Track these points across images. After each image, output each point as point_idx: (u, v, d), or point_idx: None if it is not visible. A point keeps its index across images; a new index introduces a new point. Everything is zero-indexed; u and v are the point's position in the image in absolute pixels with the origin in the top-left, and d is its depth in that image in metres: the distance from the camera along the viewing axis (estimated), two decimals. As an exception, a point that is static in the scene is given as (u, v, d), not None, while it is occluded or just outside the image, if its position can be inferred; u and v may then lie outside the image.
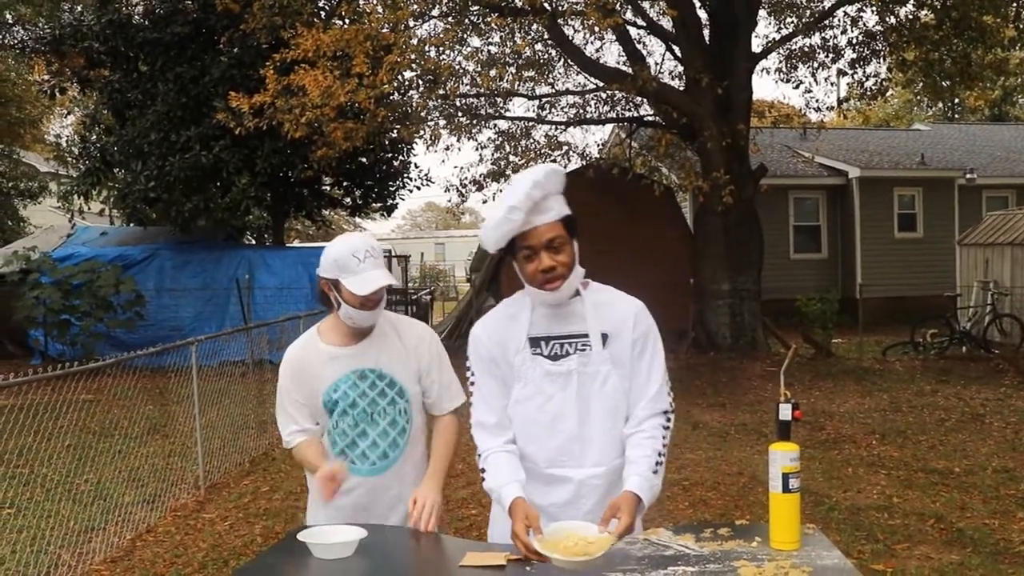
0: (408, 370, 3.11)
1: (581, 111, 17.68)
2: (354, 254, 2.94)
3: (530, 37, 15.39)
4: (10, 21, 21.86)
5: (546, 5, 12.50)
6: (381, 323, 3.10)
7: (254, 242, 23.24)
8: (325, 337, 3.11)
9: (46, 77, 19.12)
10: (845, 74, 17.37)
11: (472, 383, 2.77)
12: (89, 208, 20.90)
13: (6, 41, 22.76)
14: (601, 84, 15.46)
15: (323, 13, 15.29)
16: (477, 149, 17.29)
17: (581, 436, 2.65)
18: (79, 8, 17.15)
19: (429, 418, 3.21)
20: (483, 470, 2.68)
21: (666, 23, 15.68)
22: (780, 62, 17.37)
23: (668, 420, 2.73)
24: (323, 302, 3.12)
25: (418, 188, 24.31)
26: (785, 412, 2.56)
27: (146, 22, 16.14)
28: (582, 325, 2.65)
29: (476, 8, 14.03)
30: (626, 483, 2.55)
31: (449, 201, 19.95)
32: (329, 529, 2.76)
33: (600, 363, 2.64)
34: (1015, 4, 14.98)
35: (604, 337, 2.65)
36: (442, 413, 3.19)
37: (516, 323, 2.70)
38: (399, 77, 13.17)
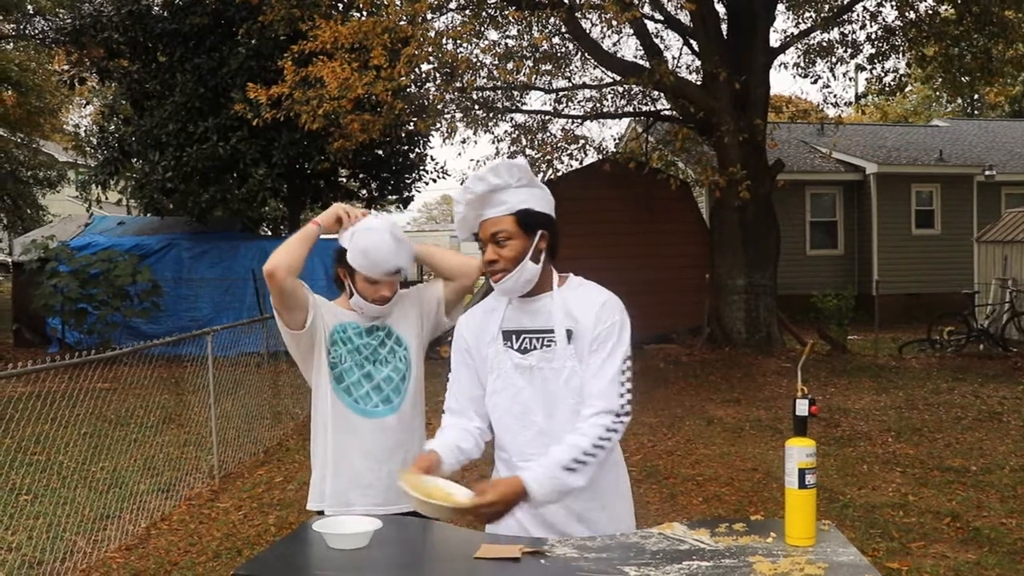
0: (411, 326, 3.22)
1: (598, 105, 17.64)
2: (381, 256, 3.02)
3: (547, 31, 15.36)
4: (31, 12, 21.99)
5: (564, -2, 12.46)
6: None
7: (270, 233, 23.32)
8: (343, 306, 3.22)
9: (66, 67, 19.21)
10: (863, 69, 17.27)
11: (449, 371, 2.87)
12: (107, 198, 21.04)
13: (27, 31, 22.89)
14: (618, 78, 15.42)
15: (341, 5, 15.29)
16: (494, 142, 17.39)
17: (549, 430, 2.65)
18: (99, -1, 17.22)
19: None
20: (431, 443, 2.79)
21: (684, 17, 15.62)
22: (798, 57, 17.29)
23: (614, 421, 2.61)
24: (337, 285, 3.21)
25: (434, 181, 24.31)
26: (802, 407, 2.55)
27: (165, 13, 16.21)
28: (548, 321, 2.68)
29: (494, 1, 14.02)
30: (522, 471, 2.54)
31: (465, 194, 19.90)
32: (344, 519, 2.76)
33: (564, 359, 2.65)
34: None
35: (569, 333, 2.66)
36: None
37: (492, 316, 2.78)
38: (416, 70, 13.17)
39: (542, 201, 2.70)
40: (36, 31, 22.95)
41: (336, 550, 2.55)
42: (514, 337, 2.72)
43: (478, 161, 16.74)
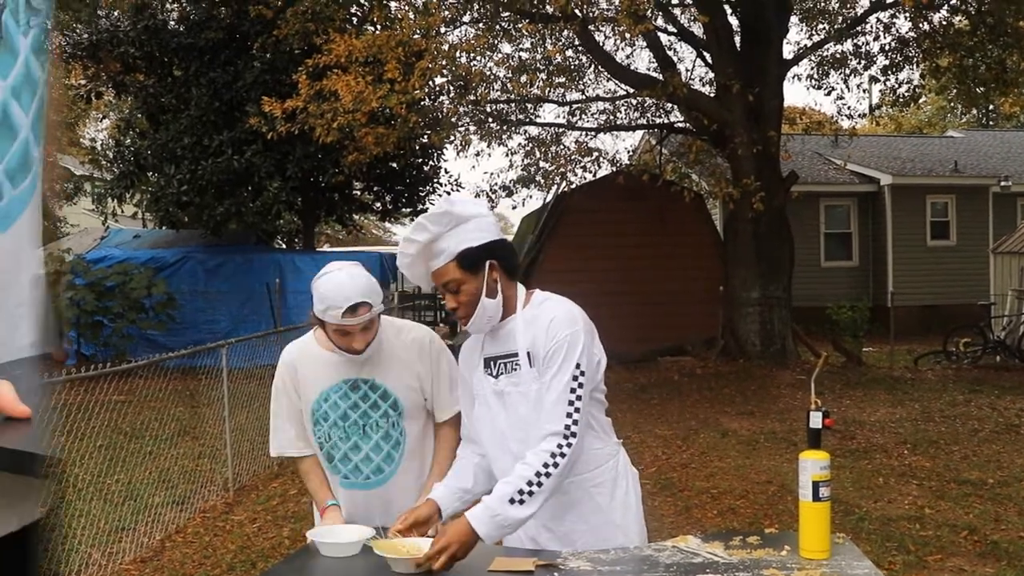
0: (403, 380, 3.02)
1: (611, 117, 17.67)
2: (335, 308, 2.82)
3: (561, 43, 15.40)
4: (49, 27, 22.16)
5: (577, 11, 12.48)
6: (382, 328, 3.01)
7: (284, 246, 23.41)
8: (322, 341, 3.02)
9: (83, 81, 19.35)
10: (877, 81, 17.25)
11: (460, 397, 2.95)
12: (122, 211, 21.16)
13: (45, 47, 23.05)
14: (631, 90, 15.44)
15: (355, 19, 15.39)
16: (507, 155, 17.49)
17: (523, 456, 2.57)
18: (115, 14, 17.36)
19: (433, 425, 3.14)
20: None
21: (697, 29, 15.64)
22: (812, 69, 17.28)
23: (561, 443, 2.51)
24: (321, 325, 3.00)
25: (448, 193, 24.32)
26: (816, 420, 2.55)
27: (181, 28, 16.34)
28: (512, 344, 2.66)
29: (507, 14, 14.06)
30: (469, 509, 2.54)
31: (479, 207, 19.96)
32: (338, 528, 2.81)
33: (529, 381, 2.62)
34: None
35: (529, 355, 2.63)
36: (446, 419, 3.10)
37: (477, 344, 2.80)
38: (430, 83, 13.22)
39: (478, 232, 2.61)
40: (54, 46, 23.16)
41: (353, 563, 2.56)
42: (492, 364, 2.72)
43: (492, 174, 16.74)
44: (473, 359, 2.79)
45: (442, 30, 13.29)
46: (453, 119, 14.18)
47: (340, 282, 2.82)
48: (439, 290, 2.70)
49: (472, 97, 13.43)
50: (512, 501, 2.45)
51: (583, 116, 17.67)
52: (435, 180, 19.61)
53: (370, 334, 2.91)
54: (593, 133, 17.55)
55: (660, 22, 15.44)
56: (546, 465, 2.48)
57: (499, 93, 14.62)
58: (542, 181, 15.44)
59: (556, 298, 2.72)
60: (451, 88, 14.20)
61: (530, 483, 2.46)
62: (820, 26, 16.66)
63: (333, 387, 2.99)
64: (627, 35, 13.62)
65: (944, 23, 15.99)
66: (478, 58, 13.76)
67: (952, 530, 6.13)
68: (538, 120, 17.47)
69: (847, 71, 17.17)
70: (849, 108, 58.78)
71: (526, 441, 2.60)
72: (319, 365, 3.01)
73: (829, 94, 18.14)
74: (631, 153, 20.84)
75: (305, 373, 3.03)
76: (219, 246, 17.07)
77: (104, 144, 25.60)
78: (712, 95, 15.20)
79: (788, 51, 15.79)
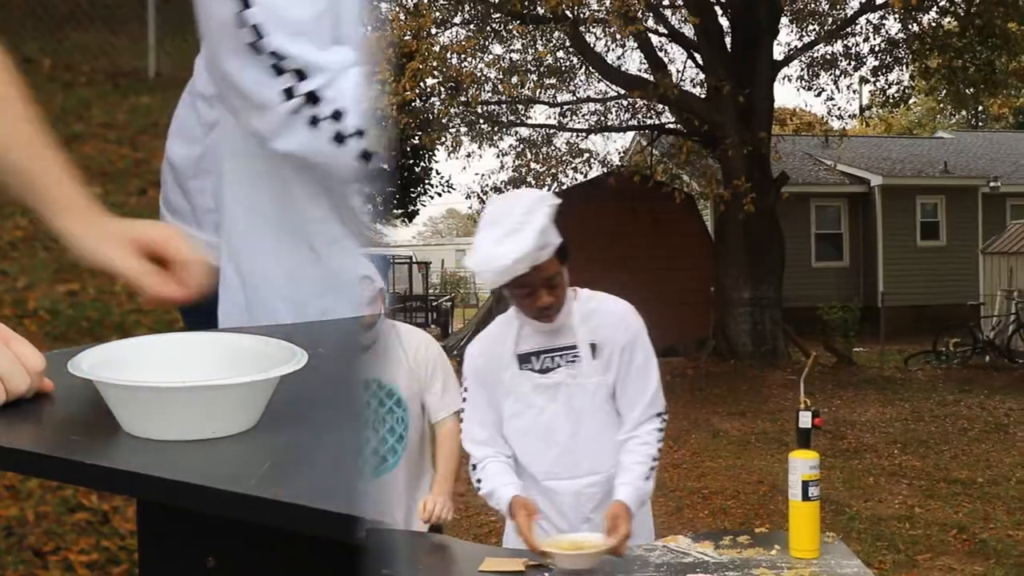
0: (407, 380, 3.16)
1: (602, 118, 17.69)
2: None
3: (552, 44, 15.43)
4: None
5: (568, 13, 12.51)
6: (386, 333, 3.10)
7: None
8: None
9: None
10: (867, 82, 17.31)
11: (465, 399, 2.81)
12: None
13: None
14: (622, 91, 15.47)
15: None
16: (498, 156, 17.37)
17: (574, 447, 2.66)
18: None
19: (431, 427, 3.25)
20: (478, 480, 2.70)
21: (688, 31, 15.66)
22: (802, 70, 17.32)
23: (663, 423, 2.73)
24: None
25: (439, 195, 24.31)
26: (805, 419, 2.56)
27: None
28: (571, 338, 2.66)
29: (498, 16, 14.08)
30: (618, 492, 2.57)
31: (470, 208, 20.00)
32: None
33: (590, 374, 2.65)
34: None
35: (593, 347, 2.66)
36: (441, 419, 3.22)
37: (506, 340, 2.72)
38: (421, 84, 13.23)
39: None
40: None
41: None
42: (533, 358, 2.68)
43: (483, 175, 16.76)
44: (503, 357, 2.71)
45: (433, 31, 13.31)
46: (444, 120, 14.20)
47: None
48: (530, 287, 2.52)
49: (463, 98, 13.45)
50: (647, 478, 2.62)
51: (574, 117, 17.69)
52: (427, 181, 19.62)
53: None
54: (584, 134, 17.58)
55: (651, 23, 15.47)
56: (659, 443, 2.69)
57: (490, 94, 14.63)
58: (533, 182, 15.45)
59: (601, 293, 2.78)
60: (442, 89, 14.20)
61: (654, 459, 2.65)
62: (810, 27, 16.69)
63: None
64: (618, 36, 13.65)
65: (933, 25, 16.04)
66: (469, 59, 13.79)
67: (941, 529, 6.16)
68: (529, 121, 17.47)
69: (837, 72, 17.22)
70: (839, 109, 58.47)
71: (577, 433, 2.65)
72: None
73: (819, 95, 18.19)
74: (622, 154, 20.86)
75: None
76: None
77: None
78: (703, 96, 15.23)
79: (779, 52, 15.84)
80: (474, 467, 2.73)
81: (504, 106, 16.21)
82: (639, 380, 2.68)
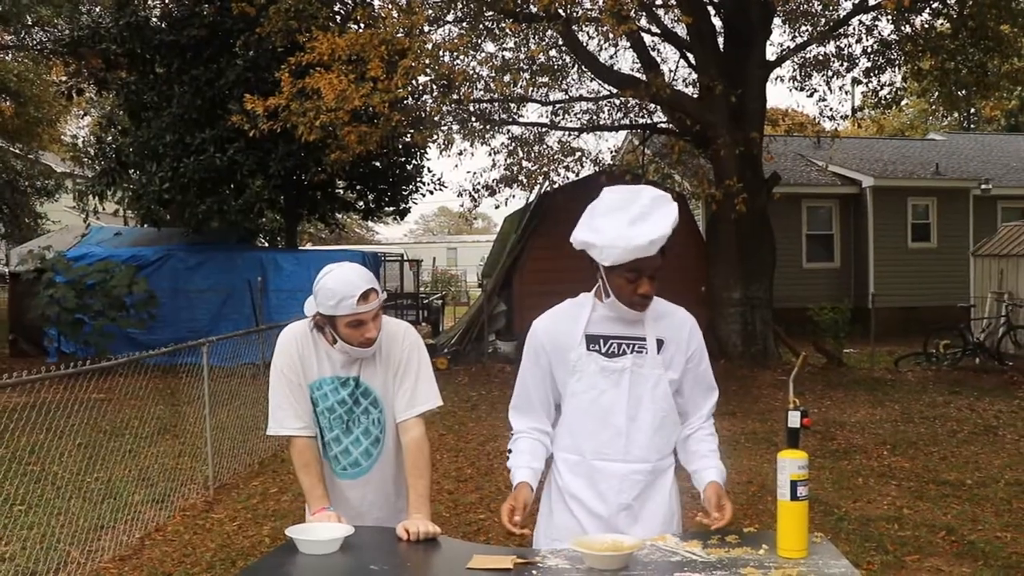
0: (383, 378, 3.08)
1: (594, 117, 17.70)
2: (349, 297, 2.89)
3: (544, 43, 15.40)
4: (30, 23, 22.04)
5: (561, 11, 12.49)
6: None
7: (267, 244, 23.31)
8: (323, 342, 3.09)
9: (64, 78, 19.26)
10: (860, 83, 17.32)
11: (520, 370, 2.95)
12: (104, 208, 21.01)
13: (26, 42, 22.93)
14: (615, 90, 15.46)
15: (339, 17, 15.33)
16: (490, 154, 17.35)
17: (628, 432, 2.79)
18: (97, 10, 17.25)
19: (399, 429, 3.09)
20: (509, 451, 2.90)
21: (680, 30, 15.68)
22: (794, 70, 17.33)
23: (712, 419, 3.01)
24: (319, 329, 3.04)
25: (431, 192, 24.31)
26: (794, 419, 2.57)
27: (163, 24, 16.24)
28: (640, 330, 2.81)
29: (491, 14, 14.05)
30: (708, 474, 2.86)
31: (462, 206, 19.99)
32: (317, 526, 2.80)
33: (654, 366, 2.80)
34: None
35: (659, 343, 2.81)
36: (406, 417, 3.07)
37: (576, 321, 2.84)
38: (413, 82, 13.20)
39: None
40: (34, 42, 23.01)
41: (332, 561, 2.56)
42: (601, 341, 2.82)
43: (475, 173, 16.73)
44: (573, 335, 2.82)
45: (425, 29, 13.27)
46: (436, 118, 14.17)
47: (345, 274, 2.93)
48: (637, 273, 2.70)
49: (455, 96, 13.42)
50: (721, 462, 2.90)
51: (566, 116, 17.70)
52: (418, 179, 19.56)
53: (380, 322, 3.01)
54: (576, 133, 17.58)
55: (644, 23, 15.46)
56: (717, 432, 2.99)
57: (482, 92, 14.61)
58: (525, 181, 15.43)
59: (664, 300, 2.92)
60: (434, 87, 14.17)
61: (719, 446, 2.97)
62: (803, 28, 16.72)
63: (327, 379, 3.07)
64: (610, 35, 13.65)
65: (926, 26, 16.09)
66: (461, 57, 13.76)
67: (930, 530, 6.17)
68: (521, 120, 17.47)
69: (829, 73, 17.23)
70: (831, 110, 58.82)
71: (634, 419, 2.79)
72: (318, 353, 3.08)
73: (812, 96, 18.33)
74: (614, 153, 20.84)
75: (305, 355, 3.08)
76: (201, 244, 16.98)
77: (86, 141, 25.44)
78: (695, 96, 15.24)
79: (771, 52, 15.85)
80: (511, 436, 2.93)
81: (496, 104, 16.19)
82: (705, 384, 2.94)
